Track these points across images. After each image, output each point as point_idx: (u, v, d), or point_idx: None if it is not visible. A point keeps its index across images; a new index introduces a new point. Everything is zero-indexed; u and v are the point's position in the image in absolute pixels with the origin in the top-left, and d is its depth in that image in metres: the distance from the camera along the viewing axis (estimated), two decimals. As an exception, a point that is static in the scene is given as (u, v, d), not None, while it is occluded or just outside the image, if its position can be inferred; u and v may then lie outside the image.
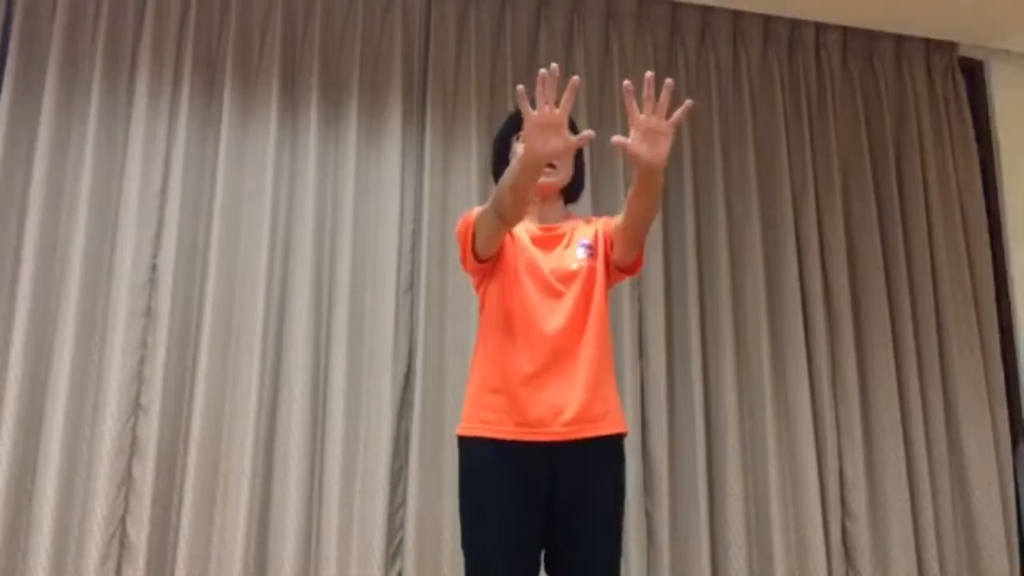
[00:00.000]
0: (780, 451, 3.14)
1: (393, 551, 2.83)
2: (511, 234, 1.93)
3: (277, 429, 2.83)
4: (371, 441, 2.86)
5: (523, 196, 1.71)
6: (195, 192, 2.94)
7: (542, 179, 1.92)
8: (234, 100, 3.00)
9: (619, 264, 1.92)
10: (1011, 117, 3.74)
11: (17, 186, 2.84)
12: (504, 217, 1.75)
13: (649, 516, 3.01)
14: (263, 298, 2.87)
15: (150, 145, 2.92)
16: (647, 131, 1.63)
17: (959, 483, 3.30)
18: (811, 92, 3.55)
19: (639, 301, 3.16)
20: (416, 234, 3.06)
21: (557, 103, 1.63)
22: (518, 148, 1.95)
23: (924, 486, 3.21)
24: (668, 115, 1.65)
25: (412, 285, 3.02)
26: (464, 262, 1.94)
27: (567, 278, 1.88)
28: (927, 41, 3.70)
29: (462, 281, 3.00)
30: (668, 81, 1.66)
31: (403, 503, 2.86)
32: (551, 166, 1.93)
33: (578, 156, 2.04)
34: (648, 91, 1.62)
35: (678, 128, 3.34)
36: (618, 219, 1.88)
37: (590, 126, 3.26)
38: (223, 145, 2.96)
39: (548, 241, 1.94)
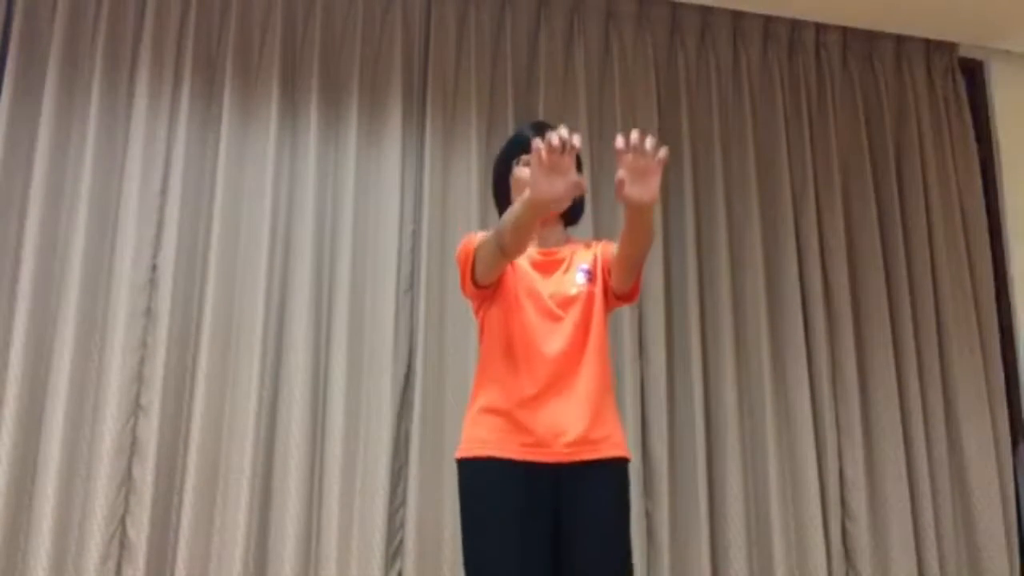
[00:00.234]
0: (780, 451, 3.14)
1: (393, 551, 2.83)
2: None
3: (277, 429, 2.83)
4: (371, 441, 2.86)
5: (525, 235, 1.73)
6: (195, 192, 2.94)
7: None
8: (234, 100, 3.00)
9: (616, 292, 1.93)
10: (1011, 117, 3.74)
11: (17, 186, 2.84)
12: (505, 252, 1.77)
13: (649, 516, 3.01)
14: (263, 298, 2.87)
15: (150, 145, 2.92)
16: (635, 170, 1.63)
17: (959, 483, 3.30)
18: (811, 92, 3.55)
19: (639, 301, 3.16)
20: (416, 234, 3.06)
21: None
22: (518, 172, 1.96)
23: (924, 486, 3.21)
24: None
25: (412, 285, 3.02)
26: (464, 287, 1.95)
27: (566, 303, 1.89)
28: (927, 41, 3.70)
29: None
30: (650, 137, 1.65)
31: (403, 503, 2.86)
32: None
33: (577, 164, 2.04)
34: (635, 143, 1.62)
35: (677, 128, 3.35)
36: (615, 248, 1.89)
37: (590, 128, 3.26)
38: (223, 145, 2.96)
39: (547, 266, 1.95)
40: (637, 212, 1.70)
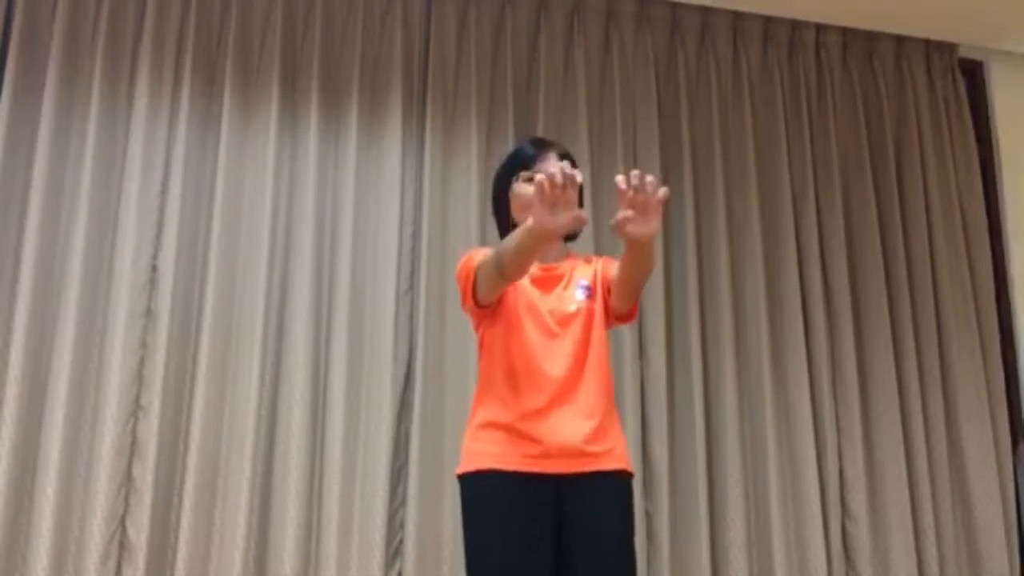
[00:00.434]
0: (780, 452, 3.14)
1: (393, 551, 2.83)
2: None
3: (277, 429, 2.83)
4: (371, 441, 2.86)
5: (526, 262, 1.74)
6: (195, 192, 2.94)
7: None
8: (234, 101, 3.00)
9: (615, 312, 1.93)
10: (1011, 118, 3.74)
11: (17, 186, 2.84)
12: (505, 276, 1.78)
13: (649, 517, 3.01)
14: (263, 298, 2.87)
15: (150, 145, 2.92)
16: (637, 206, 1.63)
17: (959, 484, 3.30)
18: (811, 93, 3.55)
19: (639, 301, 3.15)
20: (416, 235, 3.06)
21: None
22: (518, 188, 1.96)
23: (924, 487, 3.21)
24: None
25: (412, 286, 3.02)
26: (464, 304, 1.95)
27: (565, 320, 1.89)
28: (927, 42, 3.70)
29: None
30: (650, 177, 1.65)
31: (403, 503, 2.86)
32: None
33: (579, 196, 2.05)
34: (636, 181, 1.62)
35: (678, 128, 3.35)
36: (615, 267, 1.89)
37: (590, 128, 3.26)
38: (223, 146, 2.96)
39: (547, 282, 1.95)
40: (637, 247, 1.72)
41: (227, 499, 2.74)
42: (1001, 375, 3.45)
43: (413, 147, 3.13)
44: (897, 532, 3.14)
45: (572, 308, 1.90)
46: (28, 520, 2.64)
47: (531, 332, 1.88)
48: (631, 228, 1.64)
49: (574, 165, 1.92)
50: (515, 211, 1.97)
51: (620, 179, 1.62)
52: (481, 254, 1.90)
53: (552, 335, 1.87)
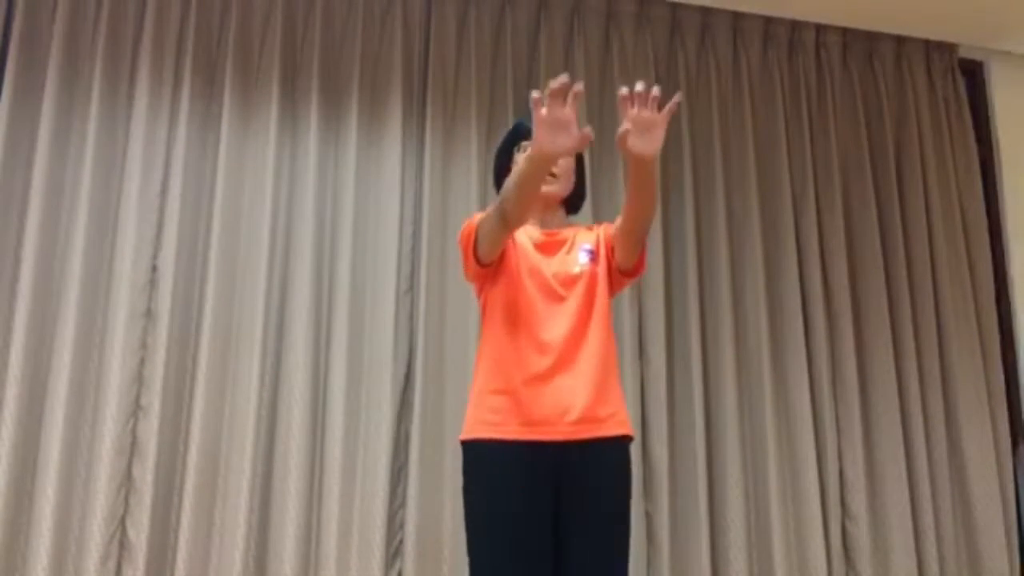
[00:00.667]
0: (780, 452, 3.14)
1: (393, 551, 2.83)
2: (513, 240, 1.93)
3: (277, 430, 2.83)
4: (371, 441, 2.86)
5: (529, 195, 1.71)
6: (195, 193, 2.94)
7: (544, 188, 1.93)
8: (234, 101, 3.01)
9: (621, 267, 1.92)
10: (1011, 118, 3.74)
11: (17, 186, 2.84)
12: (507, 218, 1.75)
13: (649, 517, 3.01)
14: (263, 299, 2.87)
15: (150, 146, 2.92)
16: (640, 123, 1.65)
17: (959, 484, 3.30)
18: (811, 93, 3.55)
19: (639, 301, 3.16)
20: (416, 235, 3.06)
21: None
22: (520, 160, 1.96)
23: (924, 487, 3.21)
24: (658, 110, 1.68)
25: (412, 286, 3.02)
26: (466, 268, 1.94)
27: (569, 282, 1.89)
28: (927, 42, 3.71)
29: (462, 282, 2.99)
30: (655, 88, 1.67)
31: (403, 504, 2.86)
32: (552, 175, 1.94)
33: (579, 167, 2.06)
34: (640, 95, 1.65)
35: (677, 128, 3.35)
36: (617, 222, 1.88)
37: (590, 126, 3.25)
38: (223, 146, 2.96)
39: (550, 246, 1.95)
40: (640, 166, 1.70)
41: (227, 499, 2.74)
42: (1001, 376, 3.45)
43: (413, 147, 3.13)
44: (897, 532, 3.14)
45: (576, 270, 1.90)
46: (28, 520, 2.64)
47: (533, 294, 1.87)
48: (632, 142, 1.65)
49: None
50: None
51: (623, 89, 1.62)
52: (481, 214, 1.89)
53: (556, 298, 1.87)
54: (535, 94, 1.62)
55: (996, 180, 3.70)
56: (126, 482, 2.71)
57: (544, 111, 1.61)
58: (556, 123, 1.61)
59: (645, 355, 3.12)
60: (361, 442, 2.87)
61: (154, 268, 2.86)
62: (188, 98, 2.97)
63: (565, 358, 1.82)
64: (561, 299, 1.87)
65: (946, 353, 3.39)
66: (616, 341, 2.99)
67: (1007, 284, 3.59)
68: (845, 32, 3.64)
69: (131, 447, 2.73)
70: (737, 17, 3.53)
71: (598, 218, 3.12)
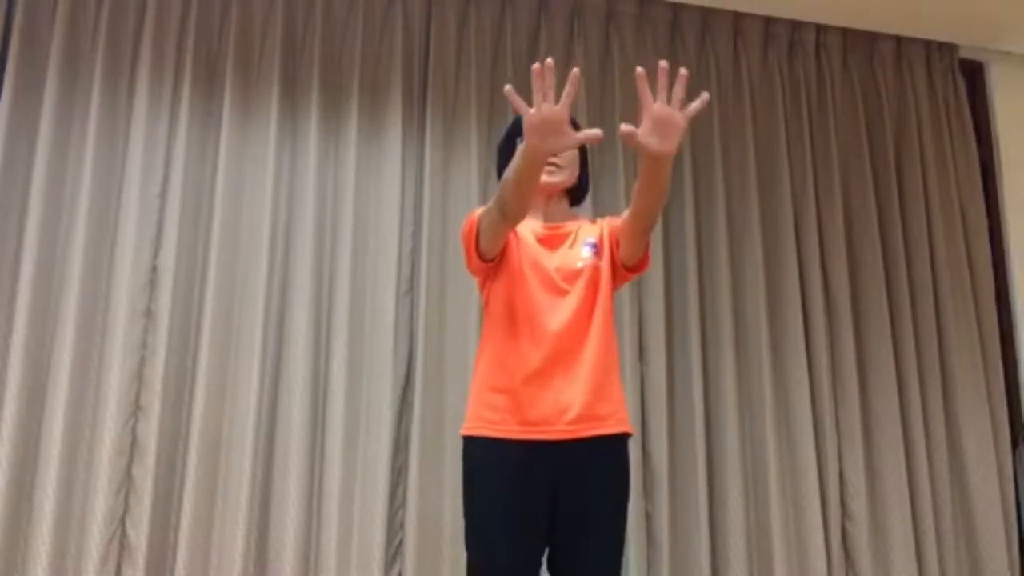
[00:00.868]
0: (780, 453, 3.14)
1: (393, 552, 2.83)
2: (515, 233, 1.92)
3: (277, 430, 2.83)
4: (371, 442, 2.86)
5: (525, 191, 1.69)
6: (195, 193, 2.94)
7: (546, 179, 1.92)
8: (234, 101, 3.00)
9: (626, 263, 1.91)
10: (1011, 119, 3.74)
11: (17, 186, 2.84)
12: (506, 213, 1.74)
13: (649, 518, 3.01)
14: (263, 299, 2.87)
15: (150, 146, 2.92)
16: (660, 121, 1.58)
17: (959, 485, 3.30)
18: (811, 93, 3.55)
19: (639, 302, 3.16)
20: (416, 235, 3.06)
21: (558, 97, 1.60)
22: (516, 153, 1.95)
23: (924, 488, 3.21)
24: (681, 106, 1.61)
25: (412, 287, 3.02)
26: (468, 262, 1.93)
27: (572, 276, 1.87)
28: (927, 43, 3.70)
29: (462, 282, 2.99)
30: (683, 71, 1.60)
31: (403, 504, 2.86)
32: (555, 165, 1.93)
33: (583, 158, 2.04)
34: (662, 80, 1.57)
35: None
36: (624, 216, 1.87)
37: (590, 126, 3.25)
38: (223, 146, 2.96)
39: (553, 240, 1.93)
40: (654, 163, 1.64)
41: (227, 500, 2.74)
42: (1001, 376, 3.45)
43: (413, 147, 3.13)
44: (897, 533, 3.14)
45: (579, 265, 1.88)
46: (28, 520, 2.64)
47: (535, 289, 1.85)
48: (647, 139, 1.58)
49: (577, 130, 1.92)
50: None
51: (640, 72, 1.53)
52: (482, 209, 1.87)
53: (558, 292, 1.85)
54: (508, 88, 1.57)
55: (996, 181, 3.69)
56: (126, 482, 2.71)
57: (532, 113, 1.55)
58: (545, 125, 1.56)
59: (645, 355, 3.12)
60: (361, 443, 2.87)
61: (154, 268, 2.85)
62: (188, 98, 2.97)
63: (566, 353, 1.81)
64: (563, 293, 1.85)
65: (946, 354, 3.39)
66: (617, 340, 3.01)
67: (1007, 285, 3.59)
68: (845, 33, 3.64)
69: (131, 447, 2.73)
70: (737, 17, 3.53)
71: (597, 212, 3.12)
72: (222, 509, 2.74)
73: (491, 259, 1.88)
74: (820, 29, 3.61)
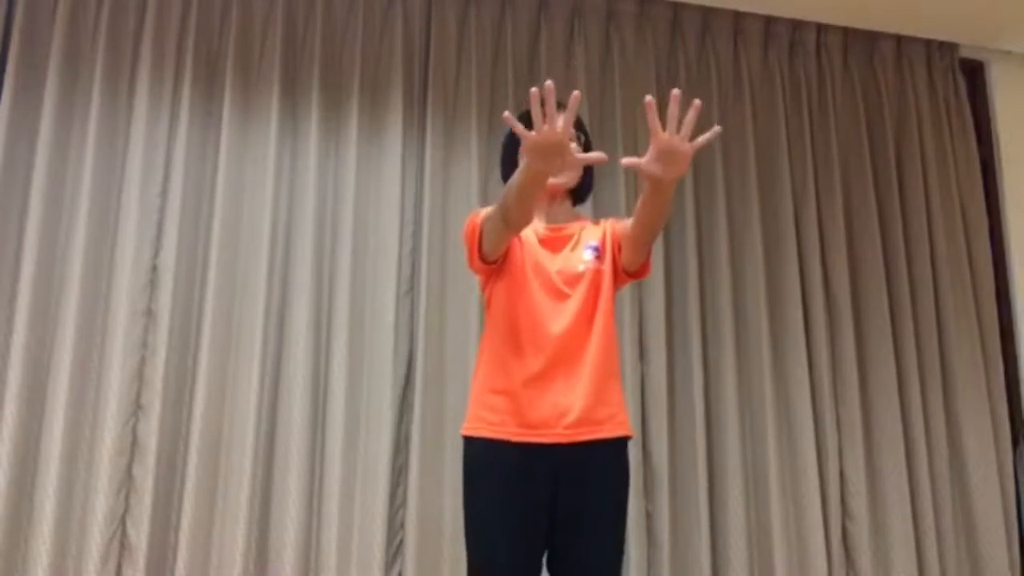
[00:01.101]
0: (780, 451, 3.14)
1: (393, 552, 2.83)
2: (518, 235, 1.92)
3: (277, 430, 2.83)
4: (371, 442, 2.86)
5: (527, 205, 1.70)
6: (196, 192, 2.94)
7: (550, 180, 1.92)
8: (235, 100, 3.00)
9: (627, 268, 1.92)
10: (1012, 117, 3.74)
11: (18, 186, 2.84)
12: (509, 221, 1.74)
13: (649, 517, 3.01)
14: (263, 299, 2.87)
15: (151, 145, 2.92)
16: (667, 151, 1.59)
17: (959, 483, 3.30)
18: (812, 93, 3.55)
19: (640, 301, 3.16)
20: (416, 235, 3.06)
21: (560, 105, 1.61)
22: (520, 163, 1.95)
23: (924, 487, 3.21)
24: (692, 136, 1.62)
25: (412, 286, 3.02)
26: (471, 262, 1.93)
27: (573, 280, 1.88)
28: (928, 42, 3.70)
29: (462, 282, 2.99)
30: (696, 102, 1.61)
31: (403, 504, 2.86)
32: None
33: (582, 133, 2.03)
34: (674, 109, 1.57)
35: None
36: (628, 223, 1.87)
37: (591, 127, 3.26)
38: (223, 145, 2.96)
39: (555, 242, 1.94)
40: (657, 187, 1.66)
41: (227, 499, 2.74)
42: (1001, 374, 3.45)
43: (414, 147, 3.13)
44: (897, 532, 3.14)
45: (580, 268, 1.89)
46: (28, 520, 2.64)
47: (537, 292, 1.86)
48: (650, 169, 1.59)
49: (582, 130, 1.92)
50: None
51: (649, 100, 1.53)
52: (486, 211, 1.88)
53: (559, 295, 1.86)
54: (506, 115, 1.56)
55: (997, 179, 3.69)
56: (126, 482, 2.71)
57: (532, 136, 1.55)
58: (546, 148, 1.56)
59: (645, 354, 3.12)
60: (361, 442, 2.87)
61: (154, 268, 2.85)
62: (188, 98, 2.97)
63: (566, 357, 1.82)
64: (565, 297, 1.86)
65: (947, 352, 3.39)
66: (618, 342, 3.01)
67: (1008, 283, 3.59)
68: (846, 32, 3.64)
69: (131, 447, 2.73)
70: (738, 17, 3.53)
71: (597, 214, 3.11)
72: (222, 508, 2.74)
73: (493, 261, 1.88)
74: (821, 28, 3.61)
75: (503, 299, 1.88)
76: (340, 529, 2.77)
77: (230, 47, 3.04)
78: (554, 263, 1.90)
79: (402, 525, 2.85)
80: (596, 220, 2.04)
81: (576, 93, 1.52)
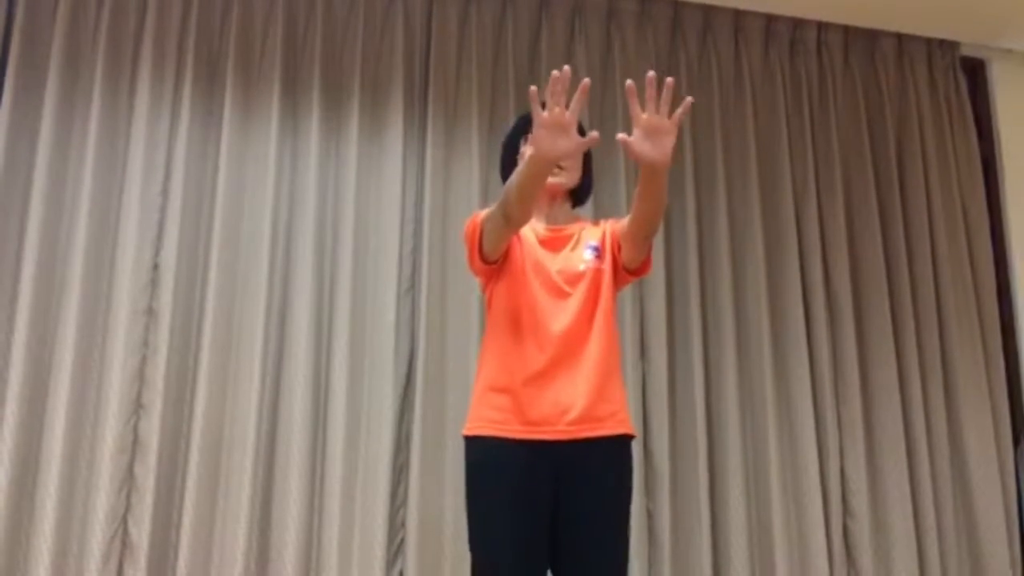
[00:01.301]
0: (781, 450, 3.14)
1: (394, 550, 2.83)
2: (518, 236, 1.93)
3: (278, 429, 2.83)
4: (372, 441, 2.86)
5: (530, 197, 1.71)
6: (196, 192, 2.94)
7: (550, 179, 1.92)
8: (235, 100, 3.00)
9: (627, 266, 1.92)
10: (1013, 116, 3.74)
11: (19, 186, 2.84)
12: (510, 218, 1.75)
13: (650, 515, 3.01)
14: (264, 297, 2.87)
15: (151, 145, 2.92)
16: (650, 129, 1.64)
17: (960, 481, 3.30)
18: (812, 91, 3.55)
19: (640, 300, 3.16)
20: (417, 234, 3.06)
21: (567, 105, 1.63)
22: (526, 151, 1.96)
23: (925, 485, 3.21)
24: (670, 113, 1.66)
25: (413, 285, 3.02)
26: (471, 262, 1.94)
27: (574, 279, 1.89)
28: (929, 40, 3.70)
29: (463, 281, 3.00)
30: (669, 80, 1.66)
31: (404, 502, 2.86)
32: (559, 167, 1.93)
33: (586, 159, 2.05)
34: (650, 91, 1.63)
35: (680, 127, 3.34)
36: (625, 221, 1.88)
37: (591, 126, 3.26)
38: (224, 145, 2.96)
39: (556, 242, 1.95)
40: (650, 174, 1.69)
41: (229, 498, 2.75)
42: (1002, 372, 3.45)
43: (414, 146, 3.13)
44: (898, 530, 3.14)
45: (581, 267, 1.90)
46: (30, 519, 2.64)
47: (538, 291, 1.87)
48: (641, 148, 1.64)
49: (582, 132, 1.92)
50: None
51: (630, 84, 1.61)
52: (486, 211, 1.89)
53: (560, 294, 1.87)
54: (533, 89, 1.62)
55: (998, 178, 3.69)
56: (128, 480, 2.71)
57: (544, 113, 1.60)
58: (556, 125, 1.61)
59: (647, 354, 3.12)
60: (362, 441, 2.87)
61: (155, 267, 2.86)
62: (189, 97, 2.97)
63: (567, 355, 1.83)
64: (565, 296, 1.87)
65: (947, 350, 3.39)
66: (619, 341, 3.01)
67: (1009, 281, 3.59)
68: (847, 30, 3.64)
69: (133, 445, 2.74)
70: (739, 15, 3.53)
71: (598, 213, 3.12)
72: (224, 507, 2.74)
73: (494, 261, 1.89)
74: (821, 26, 3.61)
75: (504, 299, 1.89)
76: (341, 528, 2.77)
77: (231, 46, 3.04)
78: (554, 263, 1.91)
79: (403, 524, 2.85)
80: (596, 221, 2.05)
81: (586, 80, 1.59)
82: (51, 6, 2.98)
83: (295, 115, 3.08)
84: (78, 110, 2.93)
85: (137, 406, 2.76)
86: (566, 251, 1.93)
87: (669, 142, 1.65)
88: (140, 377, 2.77)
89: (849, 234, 3.43)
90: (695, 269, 3.22)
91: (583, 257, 1.92)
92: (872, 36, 3.65)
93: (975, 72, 3.82)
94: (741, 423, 3.13)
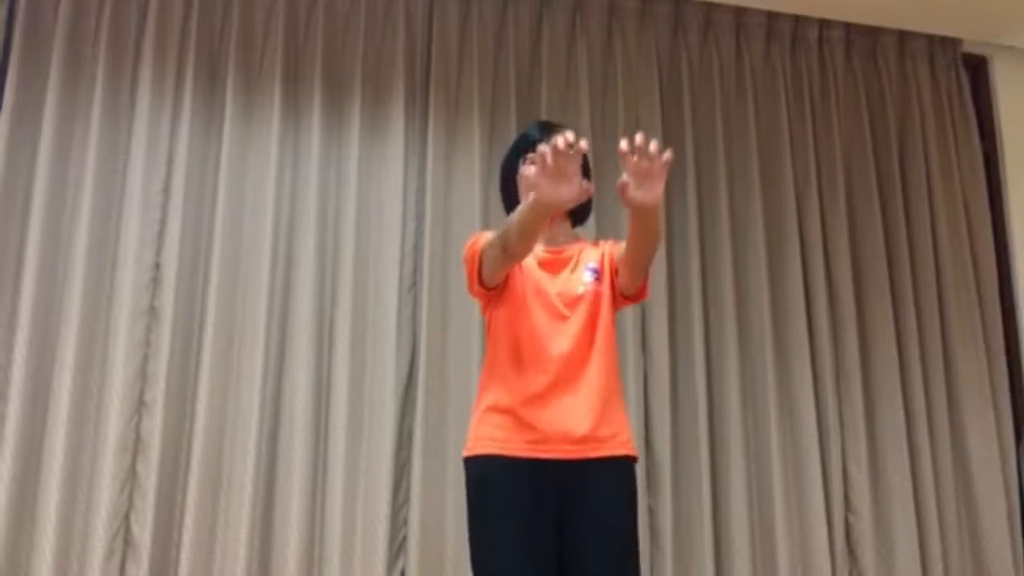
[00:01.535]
0: (784, 448, 3.14)
1: (396, 548, 2.83)
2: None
3: (280, 427, 2.84)
4: (374, 439, 2.87)
5: (530, 236, 1.73)
6: (198, 190, 2.94)
7: None
8: (237, 99, 3.00)
9: (624, 292, 1.93)
10: (1015, 113, 3.73)
11: (21, 185, 2.85)
12: (511, 253, 1.77)
13: (652, 513, 3.01)
14: (266, 296, 2.87)
15: (153, 143, 2.93)
16: (638, 172, 1.64)
17: (962, 479, 3.30)
18: (814, 89, 3.54)
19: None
20: (419, 232, 3.06)
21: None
22: (525, 170, 1.96)
23: (927, 482, 3.21)
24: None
25: (415, 283, 3.02)
26: (471, 287, 1.95)
27: (573, 302, 1.89)
28: (931, 37, 3.69)
29: (464, 280, 2.99)
30: (654, 142, 1.66)
31: (406, 501, 2.86)
32: None
33: (586, 178, 2.04)
34: (640, 141, 1.63)
35: (680, 124, 3.34)
36: (623, 245, 1.89)
37: (592, 126, 3.26)
38: (226, 144, 2.96)
39: (555, 264, 1.95)
40: (642, 215, 1.71)
41: (231, 496, 2.75)
42: (1004, 370, 3.45)
43: (416, 144, 3.13)
44: (901, 528, 3.14)
45: (580, 290, 1.90)
46: (32, 517, 2.65)
47: (538, 314, 1.88)
48: (633, 193, 1.65)
49: (586, 167, 1.92)
50: (523, 193, 1.96)
51: (623, 143, 1.62)
52: (486, 236, 1.89)
53: (559, 317, 1.88)
54: (542, 148, 1.62)
55: (999, 175, 3.69)
56: (130, 479, 2.72)
57: (550, 162, 1.61)
58: (559, 174, 1.62)
59: (649, 353, 3.12)
60: (364, 439, 2.87)
61: (157, 265, 2.86)
62: (191, 96, 2.97)
63: (567, 378, 1.83)
64: (565, 319, 1.88)
65: (949, 348, 3.39)
66: (619, 339, 3.01)
67: (1011, 277, 3.59)
68: (848, 27, 3.63)
69: (135, 444, 2.74)
70: (740, 12, 3.52)
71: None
72: (226, 505, 2.75)
73: (493, 287, 1.90)
74: (823, 24, 3.60)
75: (504, 323, 1.90)
76: (343, 526, 2.78)
77: (232, 46, 3.04)
78: (554, 285, 1.91)
79: (405, 522, 2.85)
80: (595, 241, 2.05)
81: (583, 143, 1.61)
82: (52, 5, 2.98)
83: (296, 114, 3.07)
84: (80, 109, 2.93)
85: (139, 404, 2.76)
86: (565, 273, 1.94)
87: (659, 185, 1.66)
88: (142, 375, 2.78)
89: (851, 232, 3.42)
90: (696, 267, 3.22)
91: (582, 279, 1.92)
92: (874, 33, 3.65)
93: (977, 69, 3.81)
94: (743, 420, 3.13)
